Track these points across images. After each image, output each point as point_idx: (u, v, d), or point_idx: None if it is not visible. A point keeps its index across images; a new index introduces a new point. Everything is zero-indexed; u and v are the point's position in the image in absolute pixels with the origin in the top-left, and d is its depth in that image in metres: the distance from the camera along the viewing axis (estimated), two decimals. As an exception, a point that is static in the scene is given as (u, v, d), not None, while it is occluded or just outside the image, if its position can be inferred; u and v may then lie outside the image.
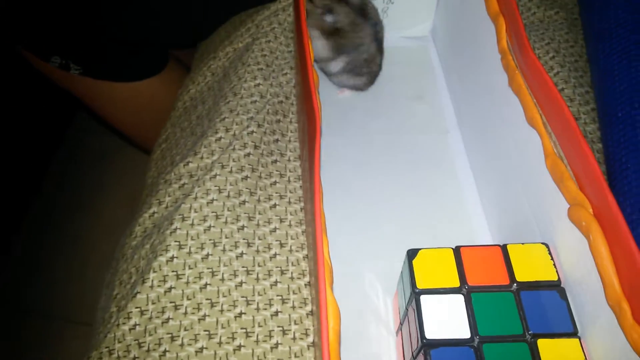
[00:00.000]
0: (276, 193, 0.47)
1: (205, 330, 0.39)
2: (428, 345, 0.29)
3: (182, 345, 0.38)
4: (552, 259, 0.32)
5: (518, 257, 0.32)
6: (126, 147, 1.17)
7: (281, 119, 0.53)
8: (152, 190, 0.51)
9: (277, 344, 0.39)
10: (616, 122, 0.43)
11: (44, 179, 1.25)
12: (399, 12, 0.58)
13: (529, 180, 0.37)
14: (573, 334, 0.29)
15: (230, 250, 0.42)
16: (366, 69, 0.54)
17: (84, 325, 1.04)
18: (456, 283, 0.31)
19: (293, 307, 0.40)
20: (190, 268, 0.41)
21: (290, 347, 0.38)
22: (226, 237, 0.43)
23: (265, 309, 0.40)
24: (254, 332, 0.39)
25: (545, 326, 0.29)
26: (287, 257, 0.43)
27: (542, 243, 0.33)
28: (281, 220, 0.45)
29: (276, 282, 0.41)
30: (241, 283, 0.41)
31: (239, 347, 0.38)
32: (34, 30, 0.66)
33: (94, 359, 0.39)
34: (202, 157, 0.48)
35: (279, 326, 0.39)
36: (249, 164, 0.47)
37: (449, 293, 0.31)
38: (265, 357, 0.38)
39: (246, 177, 0.47)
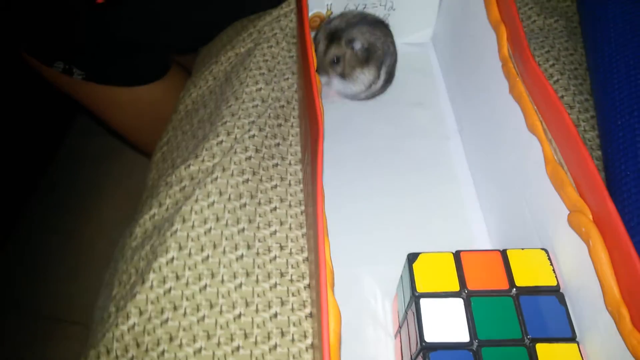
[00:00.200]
0: (277, 196, 0.47)
1: (204, 331, 0.39)
2: (427, 348, 0.29)
3: (180, 345, 0.38)
4: (551, 264, 0.32)
5: (518, 262, 0.32)
6: (125, 150, 1.18)
7: (282, 123, 0.53)
8: (152, 192, 0.51)
9: (275, 346, 0.39)
10: (616, 130, 0.43)
11: (42, 179, 1.25)
12: (400, 18, 0.58)
13: (529, 186, 0.37)
14: (571, 339, 0.29)
15: (230, 252, 0.42)
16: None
17: (74, 325, 1.04)
18: (456, 287, 0.31)
19: (292, 309, 0.40)
20: (190, 269, 0.41)
21: (288, 349, 0.39)
22: (226, 239, 0.43)
23: (265, 310, 0.40)
24: (252, 334, 0.39)
25: (544, 331, 0.29)
26: (287, 260, 0.43)
27: (542, 249, 0.33)
28: (281, 223, 0.45)
29: (275, 284, 0.42)
30: (241, 285, 0.41)
31: (238, 348, 0.38)
32: (37, 36, 0.67)
33: (91, 358, 0.39)
34: (203, 160, 0.48)
35: (277, 328, 0.39)
36: (250, 167, 0.48)
37: (449, 297, 0.31)
38: (263, 359, 0.38)
39: (247, 180, 0.47)
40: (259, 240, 0.44)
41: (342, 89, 0.54)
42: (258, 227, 0.44)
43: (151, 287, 0.40)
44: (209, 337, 0.39)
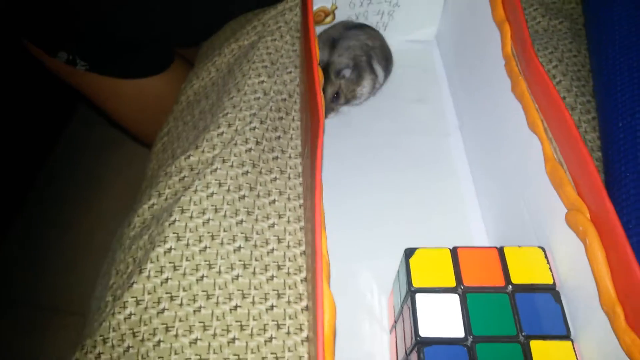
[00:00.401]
0: (276, 189, 0.47)
1: (200, 322, 0.39)
2: (422, 343, 0.29)
3: (176, 336, 0.38)
4: (548, 262, 0.32)
5: (514, 260, 0.32)
6: (125, 140, 1.17)
7: (284, 116, 0.53)
8: (152, 182, 0.51)
9: (271, 338, 0.39)
10: (616, 132, 0.43)
11: (41, 169, 1.25)
12: (405, 15, 0.58)
13: (527, 184, 0.37)
14: (566, 336, 0.29)
15: (228, 244, 0.42)
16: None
17: (72, 315, 1.04)
18: (452, 283, 0.31)
19: (288, 302, 0.40)
20: (187, 260, 0.41)
21: (284, 341, 0.39)
22: (224, 231, 0.43)
23: (261, 302, 0.40)
24: (248, 326, 0.39)
25: (538, 328, 0.29)
26: (285, 253, 0.43)
27: (539, 246, 0.33)
28: (280, 216, 0.45)
29: (272, 276, 0.42)
30: (238, 276, 0.41)
31: (233, 339, 0.38)
32: (41, 26, 0.67)
33: (88, 347, 0.39)
34: (203, 151, 0.49)
35: (273, 320, 0.39)
36: (250, 160, 0.48)
37: (445, 292, 0.31)
38: (259, 351, 0.38)
39: (247, 172, 0.47)
40: (257, 233, 0.44)
41: (353, 105, 0.55)
42: (256, 219, 0.45)
43: (148, 277, 0.40)
44: (205, 328, 0.39)
